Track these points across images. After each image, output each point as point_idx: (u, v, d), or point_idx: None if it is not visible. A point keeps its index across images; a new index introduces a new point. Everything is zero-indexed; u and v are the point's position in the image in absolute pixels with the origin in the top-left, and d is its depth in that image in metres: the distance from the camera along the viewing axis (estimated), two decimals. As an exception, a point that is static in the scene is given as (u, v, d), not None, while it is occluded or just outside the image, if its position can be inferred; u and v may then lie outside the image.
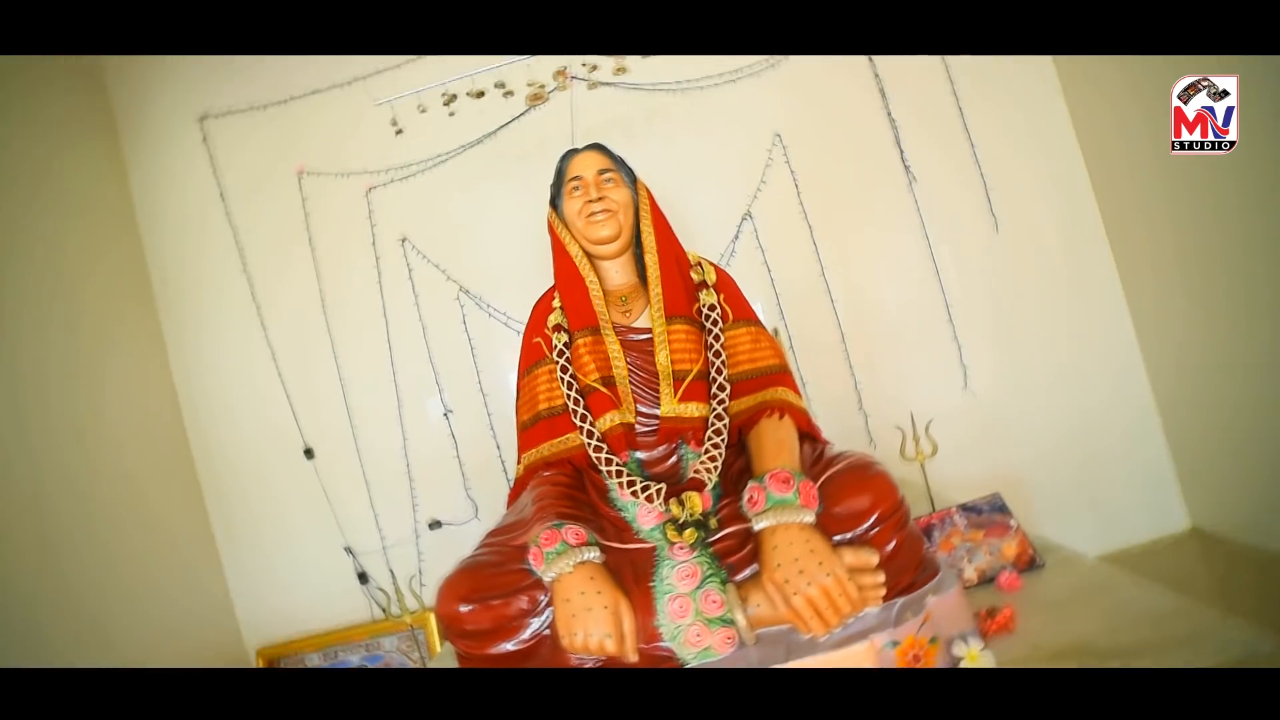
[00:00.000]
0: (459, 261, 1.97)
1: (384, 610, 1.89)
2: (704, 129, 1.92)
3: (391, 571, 1.92)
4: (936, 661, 0.90)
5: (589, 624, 0.89)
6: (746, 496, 0.97)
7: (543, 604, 0.95)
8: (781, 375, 1.19)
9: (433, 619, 1.80)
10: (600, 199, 1.20)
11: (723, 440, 1.07)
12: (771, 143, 1.91)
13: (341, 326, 1.98)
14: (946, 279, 1.89)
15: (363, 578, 1.94)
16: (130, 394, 1.87)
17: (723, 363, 1.14)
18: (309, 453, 1.97)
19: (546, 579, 0.94)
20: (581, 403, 1.12)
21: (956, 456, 1.71)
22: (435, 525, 1.93)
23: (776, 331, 1.86)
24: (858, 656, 0.88)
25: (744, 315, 1.24)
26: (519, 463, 1.19)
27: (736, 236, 1.91)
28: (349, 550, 1.95)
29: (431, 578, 1.90)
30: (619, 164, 1.28)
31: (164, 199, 2.04)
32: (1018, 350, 1.89)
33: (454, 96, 1.95)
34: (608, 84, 1.94)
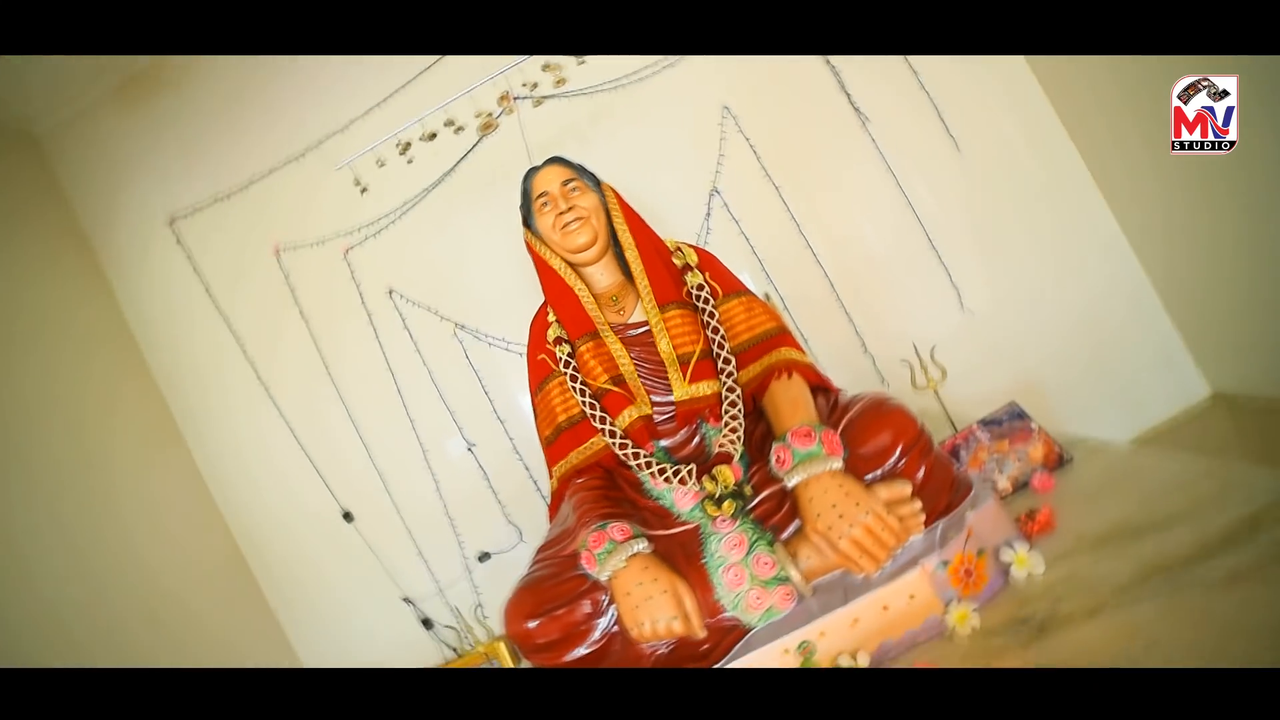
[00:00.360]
0: (448, 299, 2.00)
1: (454, 650, 1.93)
2: (653, 118, 1.95)
3: (456, 609, 1.96)
4: (987, 572, 0.93)
5: (653, 611, 0.93)
6: (774, 458, 1.00)
7: (605, 604, 0.98)
8: (781, 337, 1.22)
9: (503, 646, 1.84)
10: (570, 209, 1.23)
11: (739, 410, 1.11)
12: (721, 116, 1.94)
13: (350, 388, 2.02)
14: (921, 208, 1.91)
15: (426, 624, 1.98)
16: (165, 498, 1.91)
17: (722, 338, 1.17)
18: (348, 516, 2.01)
19: (603, 578, 0.97)
20: (598, 406, 1.16)
21: (968, 376, 1.74)
22: (484, 557, 1.97)
23: (768, 296, 1.88)
24: (912, 584, 0.92)
25: (732, 288, 1.27)
26: (551, 477, 1.22)
27: (708, 214, 1.94)
28: (407, 600, 1.99)
29: (493, 607, 1.94)
30: (580, 171, 1.31)
31: (152, 305, 2.08)
32: (1006, 261, 1.91)
33: (408, 144, 1.99)
34: (551, 96, 1.96)
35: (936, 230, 1.90)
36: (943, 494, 0.99)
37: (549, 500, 1.25)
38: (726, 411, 1.10)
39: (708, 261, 1.31)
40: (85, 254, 2.08)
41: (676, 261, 1.28)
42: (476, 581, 1.96)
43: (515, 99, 1.97)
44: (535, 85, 1.96)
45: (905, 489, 0.95)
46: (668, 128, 1.95)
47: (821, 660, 0.90)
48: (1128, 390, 1.88)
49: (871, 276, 1.92)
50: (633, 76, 1.94)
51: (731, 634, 0.96)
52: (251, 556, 2.06)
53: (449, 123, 1.98)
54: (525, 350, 1.31)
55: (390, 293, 2.01)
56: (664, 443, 1.15)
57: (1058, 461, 1.15)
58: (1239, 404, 1.83)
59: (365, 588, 2.00)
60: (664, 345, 1.17)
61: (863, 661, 0.88)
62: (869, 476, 0.98)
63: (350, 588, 2.02)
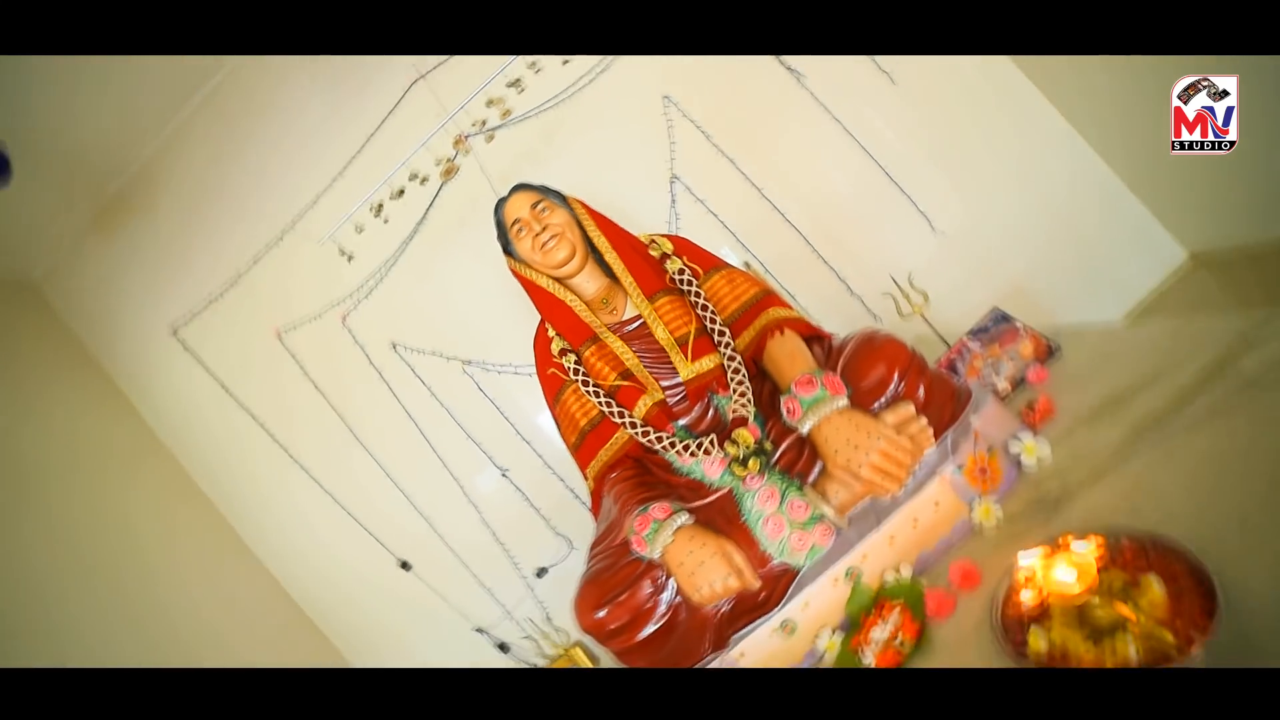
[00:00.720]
0: (450, 340, 2.08)
1: (534, 665, 2.01)
2: (600, 124, 2.02)
3: (529, 620, 2.04)
4: (1001, 467, 1.00)
5: (708, 574, 1.00)
6: (784, 410, 1.07)
7: (663, 579, 1.05)
8: (767, 299, 1.29)
9: (579, 650, 1.92)
10: (544, 229, 1.30)
11: (744, 375, 1.18)
12: (664, 107, 2.00)
13: (378, 445, 2.10)
14: (873, 146, 1.97)
15: (503, 648, 2.06)
16: (232, 589, 2.00)
17: (712, 313, 1.24)
18: (405, 565, 2.09)
19: (655, 557, 1.05)
20: (613, 403, 1.23)
21: (953, 294, 1.81)
22: (542, 572, 2.05)
23: (748, 265, 1.95)
24: (935, 494, 0.99)
25: (711, 265, 1.34)
26: (587, 479, 1.30)
27: (674, 202, 2.01)
28: (480, 630, 2.07)
29: (561, 615, 2.02)
30: (545, 192, 1.38)
31: (175, 414, 2.17)
32: (967, 178, 1.97)
33: (380, 205, 2.06)
34: (500, 127, 2.04)
35: (893, 164, 1.96)
36: (946, 407, 1.06)
37: (590, 501, 1.32)
38: (732, 379, 1.18)
39: (682, 246, 1.38)
40: (103, 380, 2.17)
41: (654, 253, 1.35)
42: (540, 596, 2.05)
43: (468, 138, 2.04)
44: (484, 121, 2.04)
45: (909, 410, 1.02)
46: (616, 129, 2.02)
47: (869, 580, 0.97)
48: (1110, 272, 1.94)
49: (842, 222, 1.99)
50: (571, 89, 2.01)
51: (784, 578, 1.03)
52: (324, 625, 2.15)
53: (413, 176, 2.05)
54: (534, 370, 1.39)
55: (394, 346, 2.09)
56: (682, 421, 1.22)
57: (1047, 353, 1.22)
58: (1216, 258, 1.89)
59: (435, 629, 2.09)
60: (661, 333, 1.24)
61: (905, 574, 0.96)
62: (874, 406, 1.05)
63: (419, 632, 2.10)
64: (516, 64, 2.02)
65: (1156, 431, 0.83)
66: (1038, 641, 0.67)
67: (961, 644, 0.79)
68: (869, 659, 0.87)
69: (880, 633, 0.89)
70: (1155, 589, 0.61)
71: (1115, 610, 0.62)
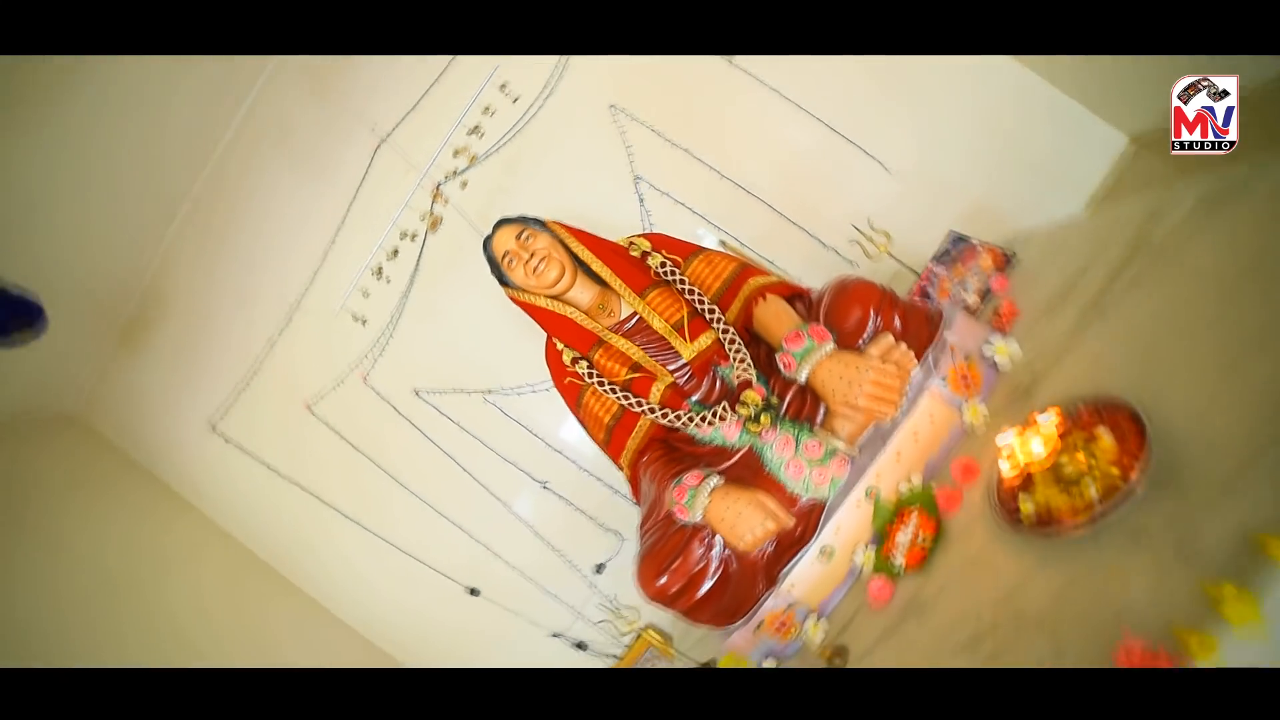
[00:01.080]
0: (466, 373, 2.21)
1: (616, 656, 2.14)
2: (557, 146, 2.14)
3: (601, 607, 2.17)
4: (980, 371, 1.12)
5: (749, 522, 1.13)
6: (781, 366, 1.20)
7: (710, 537, 1.18)
8: (745, 271, 1.41)
9: (651, 632, 2.05)
10: (532, 255, 1.42)
11: (739, 343, 1.30)
12: (612, 115, 2.13)
13: (425, 488, 2.23)
14: (815, 106, 2.09)
15: (581, 646, 2.19)
16: (327, 653, 2.15)
17: (699, 295, 1.36)
18: (474, 592, 2.23)
19: (698, 519, 1.17)
20: (630, 395, 1.35)
21: (919, 227, 1.92)
22: (600, 568, 2.18)
23: (724, 243, 2.07)
24: (927, 409, 1.11)
25: (689, 252, 1.47)
26: (622, 468, 1.43)
27: (642, 201, 2.13)
28: (556, 635, 2.21)
29: (627, 598, 2.15)
30: (525, 221, 1.50)
31: (235, 505, 2.31)
32: (908, 114, 2.08)
33: (379, 267, 2.20)
34: (468, 169, 2.16)
35: (837, 117, 2.08)
36: (922, 330, 1.18)
37: (630, 489, 1.45)
38: (730, 349, 1.30)
39: (659, 241, 1.50)
40: (159, 489, 2.31)
41: (634, 253, 1.48)
42: (603, 589, 2.18)
43: (439, 185, 2.17)
44: (454, 170, 2.17)
45: (889, 340, 1.14)
46: (573, 147, 2.14)
47: (887, 495, 1.10)
48: (1059, 172, 2.05)
49: (802, 183, 2.10)
50: (523, 119, 2.13)
51: (814, 512, 1.16)
52: (414, 664, 2.29)
53: (404, 235, 2.19)
54: (551, 384, 1.51)
55: (416, 393, 2.23)
56: (694, 397, 1.35)
57: (1005, 261, 1.33)
58: (1156, 137, 1.99)
59: (516, 643, 2.22)
60: (658, 323, 1.36)
61: (916, 482, 1.08)
62: (859, 344, 1.17)
63: (503, 651, 2.24)
64: (473, 111, 2.15)
65: (1096, 308, 0.95)
66: (1026, 506, 0.79)
67: (971, 528, 0.92)
68: (900, 560, 1.00)
69: (904, 536, 1.01)
70: (1105, 439, 0.73)
71: (1079, 462, 0.74)
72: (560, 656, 2.20)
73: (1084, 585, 0.67)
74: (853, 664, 0.98)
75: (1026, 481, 0.81)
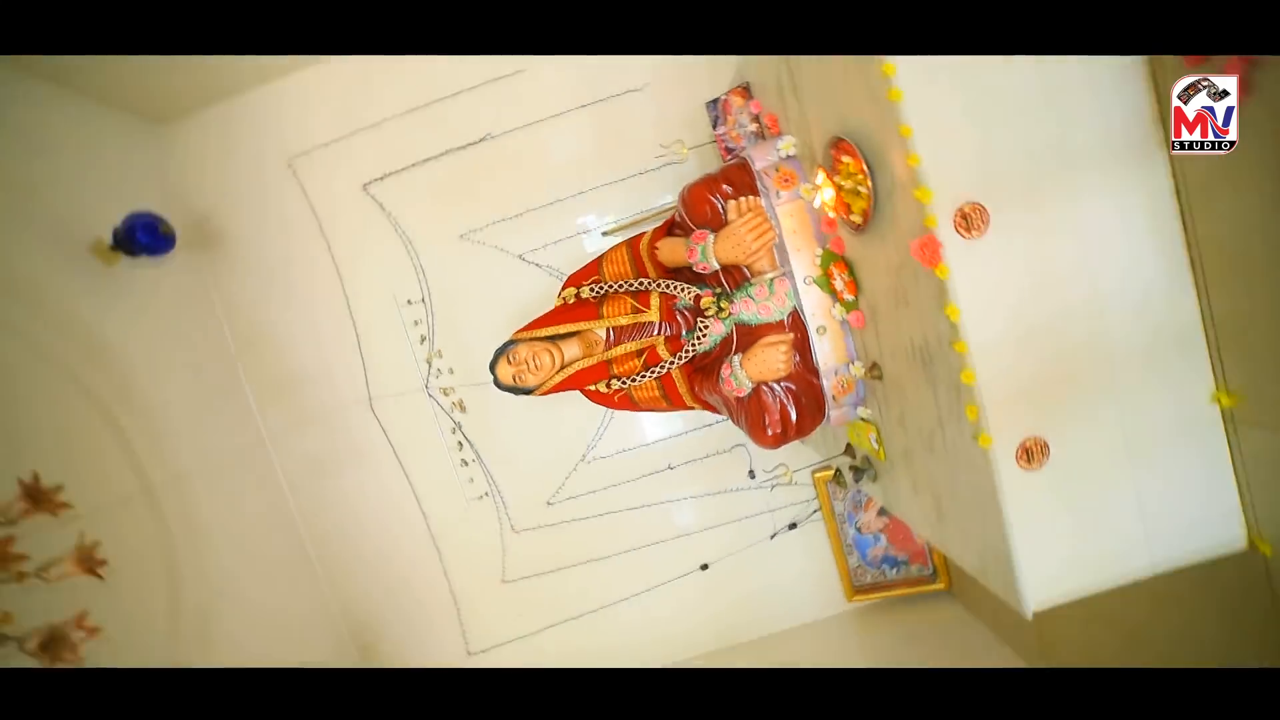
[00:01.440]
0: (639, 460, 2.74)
1: (815, 502, 2.67)
2: (461, 298, 2.63)
3: (770, 485, 2.69)
4: (789, 167, 1.59)
5: (772, 358, 1.62)
6: (700, 270, 1.68)
7: (766, 387, 1.66)
8: (633, 243, 1.88)
9: (810, 473, 2.57)
10: (525, 363, 1.88)
11: (671, 284, 1.77)
12: (459, 243, 2.61)
13: (637, 539, 2.76)
14: (551, 107, 2.55)
15: (792, 525, 2.71)
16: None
17: (625, 283, 1.83)
18: (704, 566, 2.76)
19: (749, 386, 1.65)
20: (651, 369, 1.83)
21: (689, 117, 2.36)
22: (751, 474, 2.70)
23: (604, 232, 2.54)
24: (786, 211, 1.58)
25: (594, 267, 1.93)
26: (693, 407, 1.90)
27: (540, 265, 2.61)
28: (773, 536, 2.73)
29: (770, 466, 2.65)
30: (498, 353, 1.96)
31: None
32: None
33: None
34: (452, 376, 2.67)
35: (575, 99, 2.53)
36: (744, 178, 1.66)
37: (709, 416, 1.94)
38: (670, 290, 1.77)
39: (575, 279, 1.97)
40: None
41: (571, 300, 1.95)
42: (760, 480, 2.69)
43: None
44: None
45: (732, 202, 1.62)
46: (474, 290, 2.63)
47: (815, 272, 1.57)
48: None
49: (601, 156, 2.56)
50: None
51: (794, 318, 1.65)
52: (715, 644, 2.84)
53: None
54: (612, 413, 2.00)
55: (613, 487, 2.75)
56: (684, 334, 1.83)
57: (747, 93, 1.79)
58: None
59: (755, 570, 2.74)
60: (624, 320, 1.83)
61: (819, 251, 1.55)
62: (723, 218, 1.65)
63: (758, 577, 2.77)
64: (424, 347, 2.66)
65: (793, 90, 1.42)
66: (855, 218, 1.27)
67: (855, 248, 1.40)
68: (850, 296, 1.48)
69: (839, 283, 1.49)
70: (849, 162, 1.20)
71: (850, 180, 1.22)
72: (790, 544, 2.73)
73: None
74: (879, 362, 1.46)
75: (846, 207, 1.29)
